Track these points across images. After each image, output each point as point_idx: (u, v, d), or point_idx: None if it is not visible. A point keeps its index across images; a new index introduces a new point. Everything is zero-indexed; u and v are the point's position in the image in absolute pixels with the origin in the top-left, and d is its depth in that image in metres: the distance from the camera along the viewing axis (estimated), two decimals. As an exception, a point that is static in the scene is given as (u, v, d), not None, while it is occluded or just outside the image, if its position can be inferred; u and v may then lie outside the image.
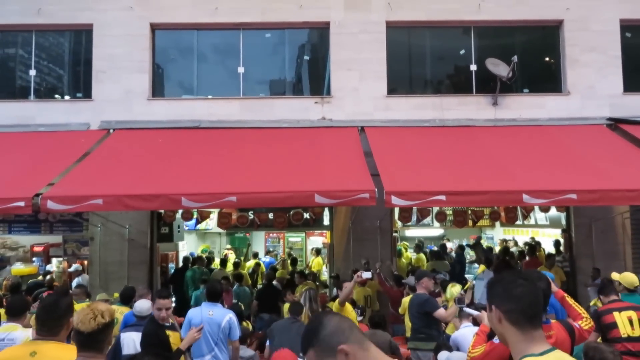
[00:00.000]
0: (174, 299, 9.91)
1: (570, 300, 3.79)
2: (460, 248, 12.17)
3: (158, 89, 10.82)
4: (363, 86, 10.35)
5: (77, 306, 3.46)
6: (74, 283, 9.19)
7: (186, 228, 12.37)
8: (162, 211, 10.17)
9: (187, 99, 10.66)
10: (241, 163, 8.48)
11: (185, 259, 11.54)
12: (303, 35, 11.23)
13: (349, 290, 6.13)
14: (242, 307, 8.00)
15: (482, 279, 8.98)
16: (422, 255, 12.23)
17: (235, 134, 9.82)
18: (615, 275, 5.89)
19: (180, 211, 10.44)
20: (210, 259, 12.34)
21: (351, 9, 10.49)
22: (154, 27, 10.65)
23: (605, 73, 10.37)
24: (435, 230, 14.30)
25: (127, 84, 10.30)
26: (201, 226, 12.57)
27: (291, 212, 10.82)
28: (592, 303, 6.51)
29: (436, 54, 11.10)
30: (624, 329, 4.30)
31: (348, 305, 6.17)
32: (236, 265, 12.34)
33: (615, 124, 9.99)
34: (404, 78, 10.98)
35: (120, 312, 6.02)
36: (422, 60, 11.14)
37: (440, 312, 5.78)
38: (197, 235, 14.73)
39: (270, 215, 11.12)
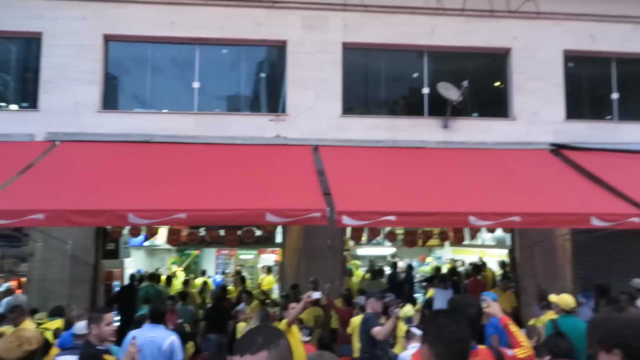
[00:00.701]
0: (118, 317, 9.64)
1: (513, 327, 3.81)
2: (409, 268, 12.31)
3: (109, 101, 10.55)
4: (318, 105, 10.43)
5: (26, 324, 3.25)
6: (3, 303, 8.71)
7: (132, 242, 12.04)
8: (109, 227, 9.87)
9: (139, 112, 10.46)
10: (193, 179, 8.36)
11: (132, 276, 11.20)
12: (260, 52, 11.25)
13: (298, 310, 6.09)
14: (187, 327, 7.81)
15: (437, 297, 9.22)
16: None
17: (188, 149, 9.68)
18: (553, 297, 6.08)
19: (127, 227, 10.16)
20: (159, 277, 12.00)
21: (308, 29, 10.60)
22: (108, 39, 10.43)
23: (549, 101, 10.84)
24: (387, 249, 14.45)
25: (76, 95, 10.01)
26: (150, 242, 12.25)
27: (243, 230, 10.71)
28: (530, 322, 6.71)
29: (391, 76, 11.32)
30: None
31: (294, 326, 6.13)
32: (186, 283, 12.07)
33: (558, 149, 10.43)
34: (359, 98, 11.14)
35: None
36: (377, 81, 11.34)
37: (374, 330, 5.88)
38: (146, 252, 14.35)
39: (222, 232, 10.95)
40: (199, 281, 12.89)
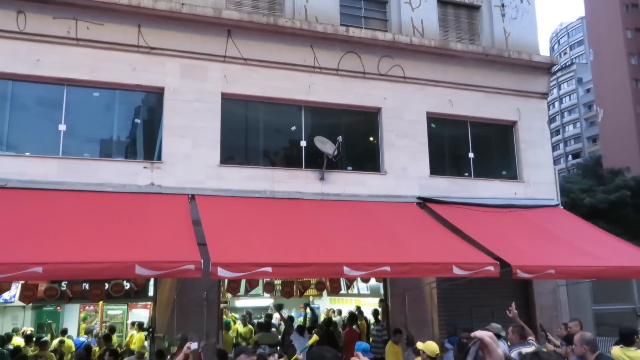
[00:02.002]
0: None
1: None
2: (290, 319, 12.23)
3: (-43, 141, 9.47)
4: (196, 154, 10.26)
5: None
6: None
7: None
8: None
9: (-7, 154, 9.49)
10: (53, 229, 7.70)
11: (-26, 339, 9.79)
12: (136, 97, 10.85)
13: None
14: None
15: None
16: (250, 327, 11.97)
17: (50, 196, 8.93)
18: (419, 345, 6.39)
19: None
20: (8, 337, 10.61)
21: (187, 77, 10.51)
22: (-41, 72, 9.46)
23: (415, 157, 11.73)
24: (266, 300, 14.24)
25: None
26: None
27: (110, 283, 9.96)
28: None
29: (270, 127, 11.54)
30: None
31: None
32: (43, 343, 10.78)
33: (424, 202, 11.26)
34: (238, 148, 11.16)
35: None
36: (256, 132, 11.48)
37: None
38: (-6, 310, 12.67)
39: (86, 286, 10.08)
40: (55, 342, 11.58)
